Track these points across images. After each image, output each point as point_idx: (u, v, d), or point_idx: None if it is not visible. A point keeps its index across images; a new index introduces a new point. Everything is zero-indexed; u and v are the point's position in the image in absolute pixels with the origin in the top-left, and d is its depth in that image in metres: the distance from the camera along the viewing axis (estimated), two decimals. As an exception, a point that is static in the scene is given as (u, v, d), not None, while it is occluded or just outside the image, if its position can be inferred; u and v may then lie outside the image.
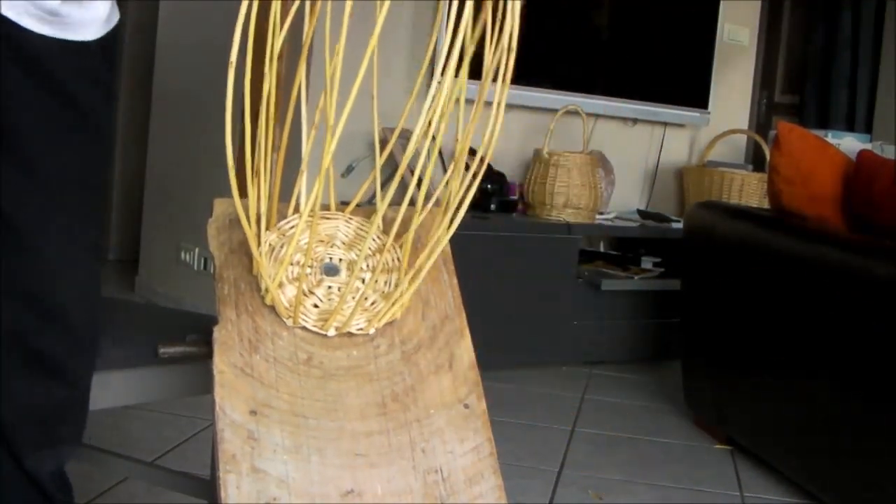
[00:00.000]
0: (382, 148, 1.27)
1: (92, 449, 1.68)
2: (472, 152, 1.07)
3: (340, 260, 1.15)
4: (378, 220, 1.08)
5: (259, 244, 1.11)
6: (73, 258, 1.10)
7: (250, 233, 1.08)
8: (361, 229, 1.18)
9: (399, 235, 1.15)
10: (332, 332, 1.09)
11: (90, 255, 1.14)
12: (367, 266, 1.14)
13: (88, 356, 1.16)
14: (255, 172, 1.08)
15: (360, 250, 1.14)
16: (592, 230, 3.62)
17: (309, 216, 1.10)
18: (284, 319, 1.09)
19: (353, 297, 1.10)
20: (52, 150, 1.05)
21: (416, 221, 1.09)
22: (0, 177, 1.02)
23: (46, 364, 1.09)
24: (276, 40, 1.02)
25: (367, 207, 1.24)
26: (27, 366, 1.08)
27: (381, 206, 1.06)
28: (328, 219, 1.18)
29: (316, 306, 1.10)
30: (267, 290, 1.09)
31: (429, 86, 1.01)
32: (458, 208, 1.07)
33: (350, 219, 1.19)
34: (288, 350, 1.07)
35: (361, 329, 1.10)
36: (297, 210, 1.17)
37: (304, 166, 1.09)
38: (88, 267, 1.13)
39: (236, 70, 0.95)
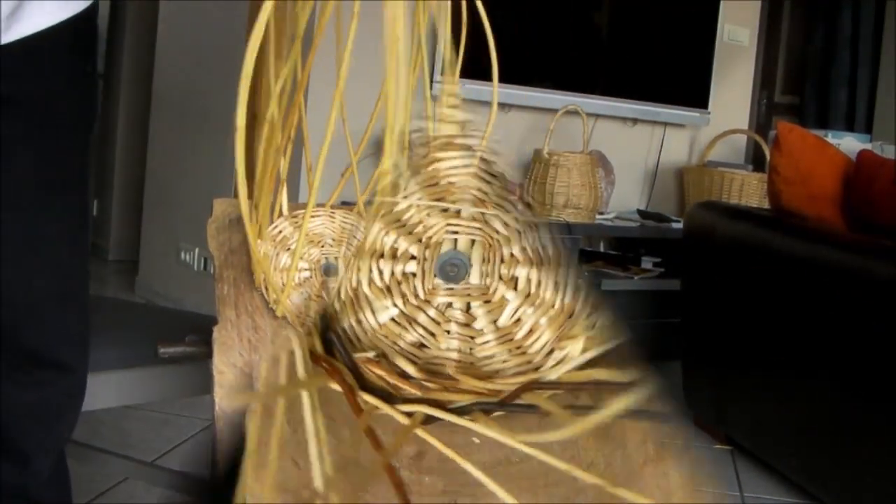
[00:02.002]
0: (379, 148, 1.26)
1: (92, 449, 1.69)
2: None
3: (336, 258, 1.14)
4: (360, 208, 1.08)
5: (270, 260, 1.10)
6: (43, 252, 1.08)
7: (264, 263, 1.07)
8: (346, 222, 1.17)
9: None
10: None
11: (65, 246, 1.12)
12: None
13: (80, 348, 1.14)
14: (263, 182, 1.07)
15: (348, 244, 1.14)
16: (592, 230, 3.62)
17: (293, 216, 1.10)
18: (299, 328, 1.08)
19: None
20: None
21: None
22: None
23: (33, 361, 1.08)
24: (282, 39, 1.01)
25: (353, 204, 1.23)
26: (15, 365, 1.07)
27: (361, 197, 1.06)
28: (314, 216, 1.17)
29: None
30: (277, 302, 1.08)
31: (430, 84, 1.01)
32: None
33: (332, 213, 1.18)
34: (288, 350, 1.07)
35: None
36: (280, 213, 1.16)
37: (320, 164, 1.09)
38: (64, 260, 1.11)
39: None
